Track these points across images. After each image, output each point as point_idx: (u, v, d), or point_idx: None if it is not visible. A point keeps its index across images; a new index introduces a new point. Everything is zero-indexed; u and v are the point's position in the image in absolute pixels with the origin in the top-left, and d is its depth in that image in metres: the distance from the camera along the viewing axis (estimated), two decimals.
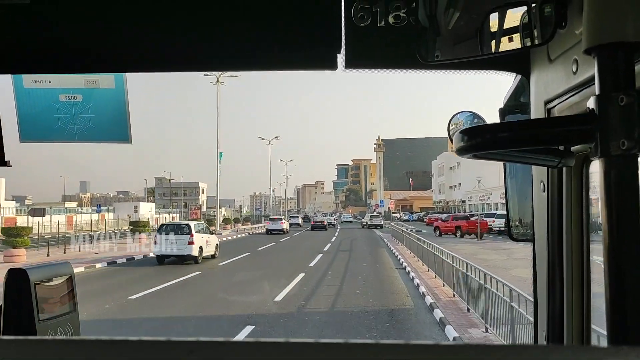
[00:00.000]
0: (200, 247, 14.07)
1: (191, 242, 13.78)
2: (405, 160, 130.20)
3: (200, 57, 1.15)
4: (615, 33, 0.59)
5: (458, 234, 28.19)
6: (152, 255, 15.02)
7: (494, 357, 0.32)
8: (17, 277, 1.15)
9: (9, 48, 1.11)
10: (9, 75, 1.28)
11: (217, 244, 14.95)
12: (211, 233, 15.87)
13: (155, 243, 14.40)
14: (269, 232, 34.36)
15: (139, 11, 1.06)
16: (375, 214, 56.13)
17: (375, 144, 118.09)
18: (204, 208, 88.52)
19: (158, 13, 1.07)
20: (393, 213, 70.37)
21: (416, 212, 64.97)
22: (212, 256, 14.35)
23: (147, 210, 56.92)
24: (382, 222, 44.84)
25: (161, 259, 14.27)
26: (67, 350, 0.32)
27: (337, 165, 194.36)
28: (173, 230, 14.29)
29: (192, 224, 14.90)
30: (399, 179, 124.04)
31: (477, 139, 0.67)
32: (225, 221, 45.51)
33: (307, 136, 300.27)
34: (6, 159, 1.23)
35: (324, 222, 45.03)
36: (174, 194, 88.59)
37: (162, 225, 15.94)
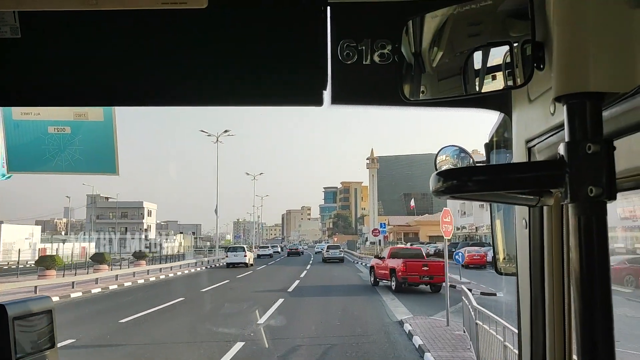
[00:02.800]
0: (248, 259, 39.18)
1: (245, 255, 38.47)
2: (402, 180, 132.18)
3: (187, 93, 1.43)
4: (582, 83, 0.73)
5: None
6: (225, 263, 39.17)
7: None
8: None
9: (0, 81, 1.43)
10: None
11: None
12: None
13: (227, 256, 39.26)
14: (230, 265, 37.42)
15: (127, 47, 1.39)
16: (334, 244, 60.42)
17: (368, 159, 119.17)
18: (151, 234, 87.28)
19: (146, 49, 1.40)
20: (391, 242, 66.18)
21: (424, 243, 57.41)
22: None
23: (20, 237, 49.82)
24: (342, 255, 49.81)
25: (230, 265, 38.03)
26: None
27: (324, 188, 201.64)
28: (234, 250, 39.93)
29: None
30: (394, 202, 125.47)
31: (453, 182, 0.81)
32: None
33: (293, 158, 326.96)
34: None
35: (298, 249, 72.64)
36: (112, 216, 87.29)
37: (228, 248, 42.92)
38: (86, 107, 1.68)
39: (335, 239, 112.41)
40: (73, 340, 11.20)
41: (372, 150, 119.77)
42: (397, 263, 20.98)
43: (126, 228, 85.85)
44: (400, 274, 20.43)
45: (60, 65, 1.41)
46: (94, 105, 1.66)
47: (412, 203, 78.26)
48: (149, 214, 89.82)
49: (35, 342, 1.49)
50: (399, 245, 37.59)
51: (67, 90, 1.44)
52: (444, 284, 15.49)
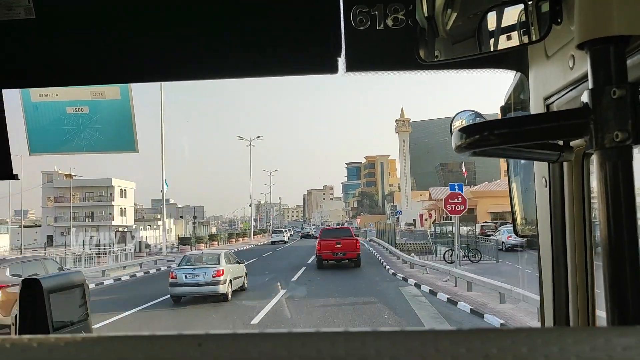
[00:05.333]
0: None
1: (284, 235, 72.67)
2: (438, 149, 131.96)
3: (203, 66, 1.73)
4: (605, 27, 0.85)
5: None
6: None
7: (504, 341, 0.47)
8: (31, 286, 1.77)
9: (16, 63, 1.76)
10: (17, 89, 2.00)
11: None
12: None
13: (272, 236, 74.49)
14: (273, 243, 53.59)
15: (141, 23, 1.72)
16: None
17: (397, 121, 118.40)
18: (127, 219, 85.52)
19: (160, 24, 1.73)
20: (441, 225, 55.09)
21: (484, 223, 50.56)
22: None
23: None
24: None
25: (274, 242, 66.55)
26: (82, 347, 0.47)
27: (346, 164, 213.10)
28: (276, 232, 76.42)
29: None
30: (428, 175, 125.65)
31: (475, 136, 0.95)
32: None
33: (314, 135, 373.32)
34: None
35: (309, 232, 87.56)
36: (76, 198, 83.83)
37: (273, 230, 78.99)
38: (103, 86, 2.06)
39: (359, 220, 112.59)
40: None
41: (401, 110, 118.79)
42: (318, 243, 29.68)
43: (92, 213, 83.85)
44: (317, 252, 29.17)
45: (75, 44, 1.73)
46: (111, 83, 2.04)
47: (464, 168, 75.71)
48: (123, 194, 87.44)
49: (69, 315, 1.87)
50: (330, 227, 49.71)
51: (83, 69, 1.78)
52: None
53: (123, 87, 2.07)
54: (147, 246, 53.65)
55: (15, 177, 1.85)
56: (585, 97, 0.87)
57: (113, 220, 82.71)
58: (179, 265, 19.92)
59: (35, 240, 70.78)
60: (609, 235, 0.82)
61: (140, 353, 0.47)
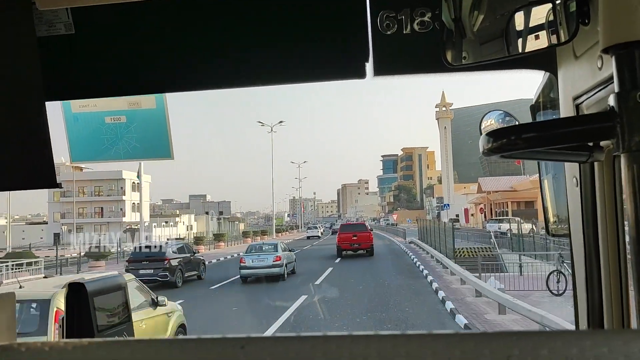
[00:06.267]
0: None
1: (318, 230, 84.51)
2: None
3: (234, 75, 1.97)
4: (630, 32, 0.94)
5: None
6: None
7: (525, 344, 0.53)
8: (76, 290, 2.05)
9: (57, 76, 1.97)
10: (58, 101, 2.32)
11: None
12: None
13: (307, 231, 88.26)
14: (309, 237, 58.97)
15: (174, 35, 1.98)
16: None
17: (437, 106, 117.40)
18: (143, 214, 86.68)
19: (192, 35, 1.92)
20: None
21: None
22: None
23: None
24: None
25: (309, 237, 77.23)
26: (129, 350, 0.53)
27: (382, 156, 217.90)
28: (310, 228, 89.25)
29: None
30: (471, 167, 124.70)
31: (502, 140, 1.05)
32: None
33: (348, 127, 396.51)
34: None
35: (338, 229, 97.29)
36: (84, 192, 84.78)
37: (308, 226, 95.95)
38: (139, 96, 2.38)
39: (396, 216, 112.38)
40: None
41: (442, 94, 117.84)
42: (338, 236, 40.52)
43: (102, 208, 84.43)
44: (337, 243, 39.71)
45: (113, 57, 2.01)
46: (147, 93, 2.33)
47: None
48: (136, 188, 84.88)
49: (112, 316, 2.18)
50: (349, 222, 56.24)
51: (121, 80, 2.05)
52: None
53: (158, 96, 2.37)
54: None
55: (58, 186, 2.17)
56: (611, 101, 0.97)
57: (124, 216, 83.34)
58: (246, 253, 28.29)
59: (42, 238, 72.07)
60: (637, 237, 0.90)
61: (188, 355, 0.52)
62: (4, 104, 1.89)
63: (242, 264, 27.37)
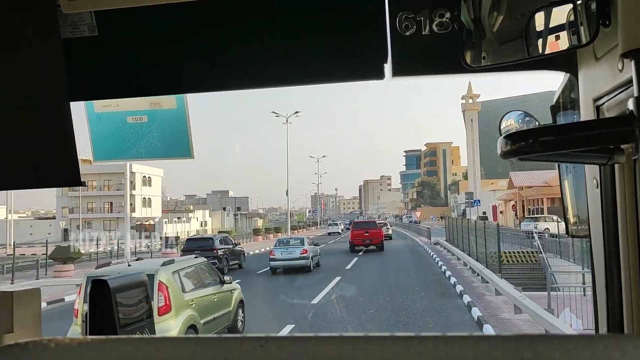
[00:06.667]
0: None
1: (338, 226, 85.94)
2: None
3: (254, 76, 2.10)
4: None
5: None
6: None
7: (537, 347, 0.55)
8: (99, 286, 2.18)
9: (81, 77, 2.13)
10: (82, 102, 2.49)
11: None
12: None
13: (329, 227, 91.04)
14: (329, 234, 60.81)
15: (196, 36, 2.12)
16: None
17: (463, 98, 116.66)
18: (152, 210, 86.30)
19: (212, 37, 2.05)
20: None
21: None
22: None
23: None
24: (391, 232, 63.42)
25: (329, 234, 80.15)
26: (149, 348, 0.57)
27: (405, 152, 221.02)
28: (331, 225, 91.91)
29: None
30: (498, 163, 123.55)
31: (520, 143, 1.08)
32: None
33: (369, 121, 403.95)
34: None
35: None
36: (94, 186, 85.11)
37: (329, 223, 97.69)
38: (160, 96, 2.54)
39: (419, 213, 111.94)
40: None
41: (469, 85, 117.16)
42: (351, 233, 45.70)
43: (111, 203, 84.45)
44: (350, 239, 44.49)
45: (135, 59, 2.16)
46: (168, 94, 2.48)
47: None
48: (146, 182, 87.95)
49: (134, 313, 2.28)
50: (360, 220, 61.57)
51: (143, 81, 2.21)
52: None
53: (179, 97, 2.53)
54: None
55: (82, 184, 2.33)
56: (630, 105, 1.03)
57: (134, 211, 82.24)
58: (275, 247, 32.13)
59: (50, 234, 72.73)
60: None
61: (209, 353, 0.56)
62: (30, 104, 2.05)
63: (271, 257, 31.10)
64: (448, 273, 27.23)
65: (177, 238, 49.24)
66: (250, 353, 0.56)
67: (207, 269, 15.16)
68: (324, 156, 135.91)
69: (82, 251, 37.68)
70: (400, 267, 32.97)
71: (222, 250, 32.17)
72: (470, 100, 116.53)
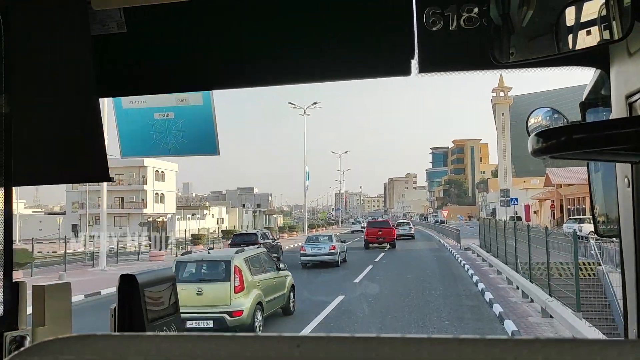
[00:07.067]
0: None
1: (361, 224, 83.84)
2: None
3: (280, 72, 2.22)
4: None
5: None
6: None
7: (549, 351, 0.55)
8: (128, 282, 2.24)
9: (109, 74, 2.27)
10: (110, 98, 2.63)
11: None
12: None
13: (352, 225, 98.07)
14: (353, 232, 64.90)
15: (223, 34, 2.18)
16: (403, 220, 72.97)
17: (494, 91, 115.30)
18: (165, 206, 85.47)
19: (241, 34, 2.17)
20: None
21: None
22: None
23: None
24: (413, 232, 66.71)
25: (353, 232, 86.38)
26: (180, 345, 0.59)
27: (431, 149, 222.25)
28: (355, 223, 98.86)
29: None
30: (529, 161, 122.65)
31: (553, 141, 1.12)
32: None
33: (395, 117, 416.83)
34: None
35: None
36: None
37: (352, 222, 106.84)
38: (187, 93, 2.68)
39: (446, 212, 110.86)
40: None
41: (500, 77, 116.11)
42: (366, 231, 50.60)
43: (122, 199, 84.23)
44: (365, 237, 49.67)
45: (163, 56, 2.29)
46: (195, 90, 2.60)
47: None
48: (159, 177, 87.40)
49: (161, 309, 2.36)
50: (374, 219, 64.36)
51: (170, 78, 2.34)
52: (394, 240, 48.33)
53: (205, 93, 2.66)
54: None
55: (111, 180, 2.48)
56: None
57: (145, 207, 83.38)
58: (305, 243, 35.61)
59: (59, 229, 73.15)
60: None
61: (246, 352, 0.58)
62: (60, 100, 2.17)
63: (302, 252, 34.77)
64: (488, 296, 20.36)
65: (193, 237, 51.58)
66: (287, 352, 0.58)
67: (267, 258, 18.80)
68: (346, 152, 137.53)
69: (35, 254, 36.25)
70: (426, 280, 26.54)
71: (262, 243, 35.32)
72: (502, 94, 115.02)
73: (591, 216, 2.16)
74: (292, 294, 19.07)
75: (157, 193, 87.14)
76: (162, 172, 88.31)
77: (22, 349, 0.59)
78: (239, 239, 39.77)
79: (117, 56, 2.33)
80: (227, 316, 15.08)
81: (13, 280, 2.01)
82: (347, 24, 2.09)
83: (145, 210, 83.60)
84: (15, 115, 1.99)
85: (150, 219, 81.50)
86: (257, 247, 20.33)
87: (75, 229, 74.57)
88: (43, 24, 2.11)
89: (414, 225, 72.09)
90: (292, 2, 2.15)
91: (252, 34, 2.19)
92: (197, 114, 2.70)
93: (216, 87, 2.49)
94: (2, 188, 1.95)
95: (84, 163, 2.25)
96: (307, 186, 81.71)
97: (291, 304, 19.01)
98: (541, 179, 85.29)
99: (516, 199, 57.26)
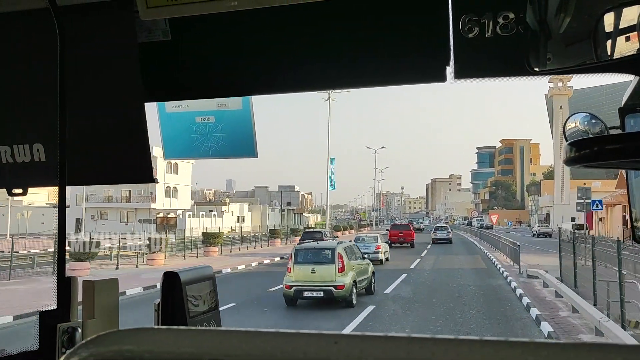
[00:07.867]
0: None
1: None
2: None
3: (318, 78, 2.49)
4: None
5: None
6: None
7: (564, 355, 0.58)
8: (170, 278, 2.45)
9: (154, 79, 2.56)
10: (154, 102, 3.00)
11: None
12: None
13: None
14: None
15: (262, 41, 2.49)
16: (441, 225, 78.85)
17: (550, 82, 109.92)
18: (178, 201, 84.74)
19: (279, 42, 2.47)
20: None
21: None
22: None
23: None
24: (451, 236, 72.75)
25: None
26: (223, 340, 0.66)
27: (477, 149, 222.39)
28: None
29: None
30: None
31: (585, 151, 1.17)
32: None
33: (438, 115, 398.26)
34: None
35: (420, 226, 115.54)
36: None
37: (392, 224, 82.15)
38: (227, 98, 3.05)
39: (495, 217, 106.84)
40: None
41: None
42: (389, 233, 63.06)
43: (129, 192, 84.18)
44: (388, 238, 58.61)
45: (205, 62, 2.59)
46: (235, 96, 2.94)
47: None
48: (172, 169, 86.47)
49: (202, 305, 2.58)
50: (396, 223, 76.72)
51: (212, 84, 2.66)
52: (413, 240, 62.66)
53: (245, 98, 2.97)
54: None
55: (155, 181, 2.84)
56: None
57: (154, 202, 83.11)
58: (355, 241, 38.98)
59: None
60: None
61: (284, 347, 0.63)
62: (108, 104, 2.49)
63: None
64: None
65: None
66: (325, 349, 0.63)
67: (355, 248, 26.60)
68: (382, 147, 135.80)
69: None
70: None
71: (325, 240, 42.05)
72: (560, 84, 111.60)
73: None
74: (373, 278, 26.57)
75: (168, 186, 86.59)
76: (176, 163, 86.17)
77: (87, 339, 0.67)
78: (307, 236, 49.72)
79: (162, 62, 2.64)
80: (333, 289, 22.31)
81: (65, 276, 2.29)
82: (384, 31, 2.31)
83: (153, 205, 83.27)
84: (68, 119, 2.23)
85: (160, 214, 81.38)
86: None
87: (79, 223, 74.65)
88: (94, 33, 2.42)
89: (451, 230, 77.37)
90: (329, 10, 2.34)
91: (291, 42, 2.47)
92: (237, 118, 3.06)
93: (255, 93, 2.82)
94: (57, 187, 2.27)
95: (130, 164, 2.55)
96: (333, 184, 76.37)
97: (372, 286, 26.29)
98: (604, 181, 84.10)
99: (601, 201, 47.61)
